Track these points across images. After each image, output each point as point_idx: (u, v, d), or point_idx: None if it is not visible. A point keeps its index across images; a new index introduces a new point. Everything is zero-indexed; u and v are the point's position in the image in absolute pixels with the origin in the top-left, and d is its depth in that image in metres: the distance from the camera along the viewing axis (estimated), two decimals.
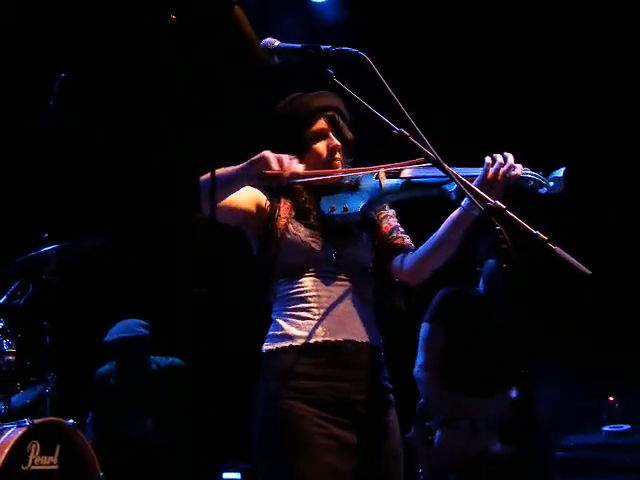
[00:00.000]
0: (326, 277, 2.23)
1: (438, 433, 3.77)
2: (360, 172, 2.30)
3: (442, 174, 2.13)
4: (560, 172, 2.18)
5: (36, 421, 3.48)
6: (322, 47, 2.06)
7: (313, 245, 2.23)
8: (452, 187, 2.19)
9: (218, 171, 2.09)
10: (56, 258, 3.84)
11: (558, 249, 1.82)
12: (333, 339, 2.18)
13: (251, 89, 4.19)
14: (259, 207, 2.30)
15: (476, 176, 2.16)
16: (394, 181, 2.27)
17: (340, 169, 2.33)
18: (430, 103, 4.33)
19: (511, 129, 4.66)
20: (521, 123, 4.70)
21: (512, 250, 1.90)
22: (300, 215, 2.29)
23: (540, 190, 2.20)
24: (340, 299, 2.22)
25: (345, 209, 2.23)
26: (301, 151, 2.30)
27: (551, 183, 2.19)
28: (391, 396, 2.28)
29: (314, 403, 2.14)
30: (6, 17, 4.72)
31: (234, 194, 2.22)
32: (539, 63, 4.72)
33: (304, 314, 2.21)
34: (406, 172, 2.26)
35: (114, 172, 5.10)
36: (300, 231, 2.25)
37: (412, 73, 4.52)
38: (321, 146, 2.34)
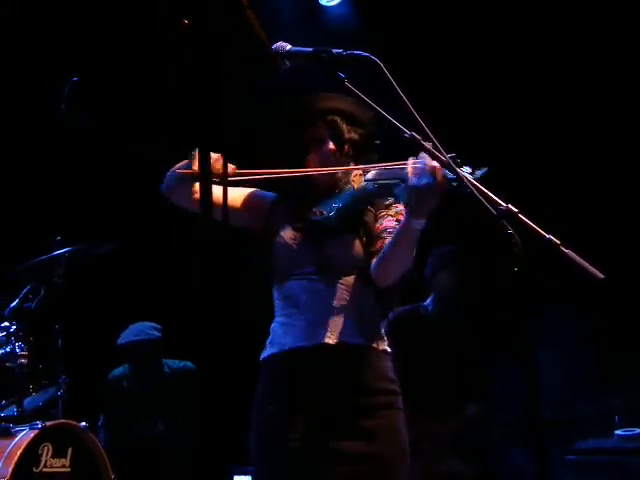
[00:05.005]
0: (310, 280, 2.22)
1: None
2: (322, 171, 2.27)
3: (397, 175, 2.10)
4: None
5: (48, 423, 3.49)
6: (334, 51, 2.05)
7: (294, 247, 2.24)
8: (400, 189, 2.11)
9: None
10: (68, 261, 3.85)
11: (570, 253, 1.80)
12: (310, 344, 2.17)
13: (262, 94, 4.18)
14: (254, 209, 2.32)
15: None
16: (366, 184, 2.20)
17: (294, 170, 2.26)
18: (442, 106, 4.31)
19: (521, 131, 4.65)
20: (528, 124, 4.68)
21: (524, 255, 1.88)
22: (292, 218, 2.29)
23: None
24: (323, 301, 2.20)
25: (321, 213, 2.23)
26: (301, 154, 2.32)
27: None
28: (383, 399, 2.20)
29: (296, 409, 2.15)
30: (18, 21, 4.74)
31: (232, 195, 2.25)
32: (548, 64, 4.71)
33: (288, 320, 2.24)
34: (370, 174, 2.19)
35: (126, 175, 5.11)
36: (286, 234, 2.26)
37: (424, 77, 4.51)
38: (317, 151, 2.32)
